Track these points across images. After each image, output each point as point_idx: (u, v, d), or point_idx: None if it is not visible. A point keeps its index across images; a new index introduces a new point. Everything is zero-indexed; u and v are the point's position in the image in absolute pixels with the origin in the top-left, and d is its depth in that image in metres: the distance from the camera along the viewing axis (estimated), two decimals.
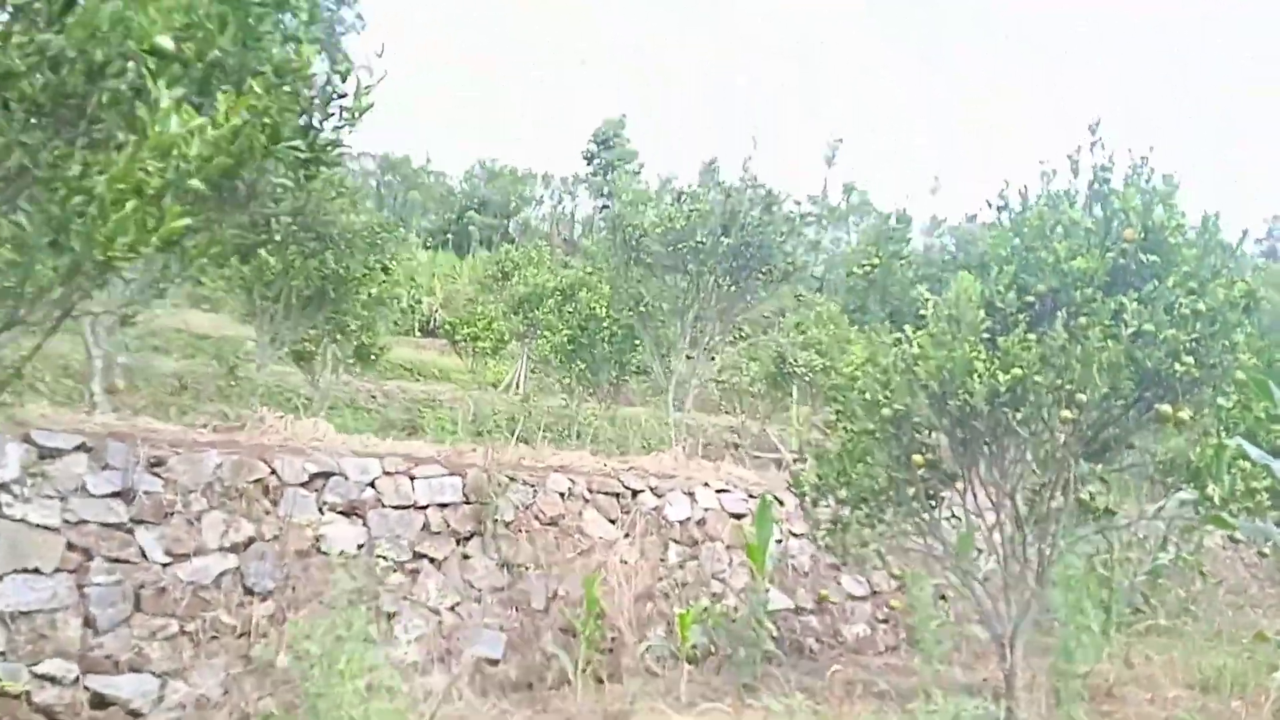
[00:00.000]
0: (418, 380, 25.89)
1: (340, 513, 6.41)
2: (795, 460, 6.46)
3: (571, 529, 7.43)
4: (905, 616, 9.24)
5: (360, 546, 6.36)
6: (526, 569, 6.97)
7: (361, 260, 13.19)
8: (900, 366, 5.97)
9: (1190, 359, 5.52)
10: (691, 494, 8.46)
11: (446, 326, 31.13)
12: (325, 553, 6.19)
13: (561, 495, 7.56)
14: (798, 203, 11.03)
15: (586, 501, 7.70)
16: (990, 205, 6.41)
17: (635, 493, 8.04)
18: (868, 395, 6.17)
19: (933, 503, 6.58)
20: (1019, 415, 5.62)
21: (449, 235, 47.43)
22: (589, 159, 47.84)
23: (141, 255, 3.01)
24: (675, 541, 8.04)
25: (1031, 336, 5.69)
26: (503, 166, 53.11)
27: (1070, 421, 5.56)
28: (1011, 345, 5.61)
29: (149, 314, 15.66)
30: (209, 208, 3.46)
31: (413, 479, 6.80)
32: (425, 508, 6.76)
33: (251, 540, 5.96)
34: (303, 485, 6.34)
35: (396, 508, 6.62)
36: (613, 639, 7.06)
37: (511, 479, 7.35)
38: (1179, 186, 5.97)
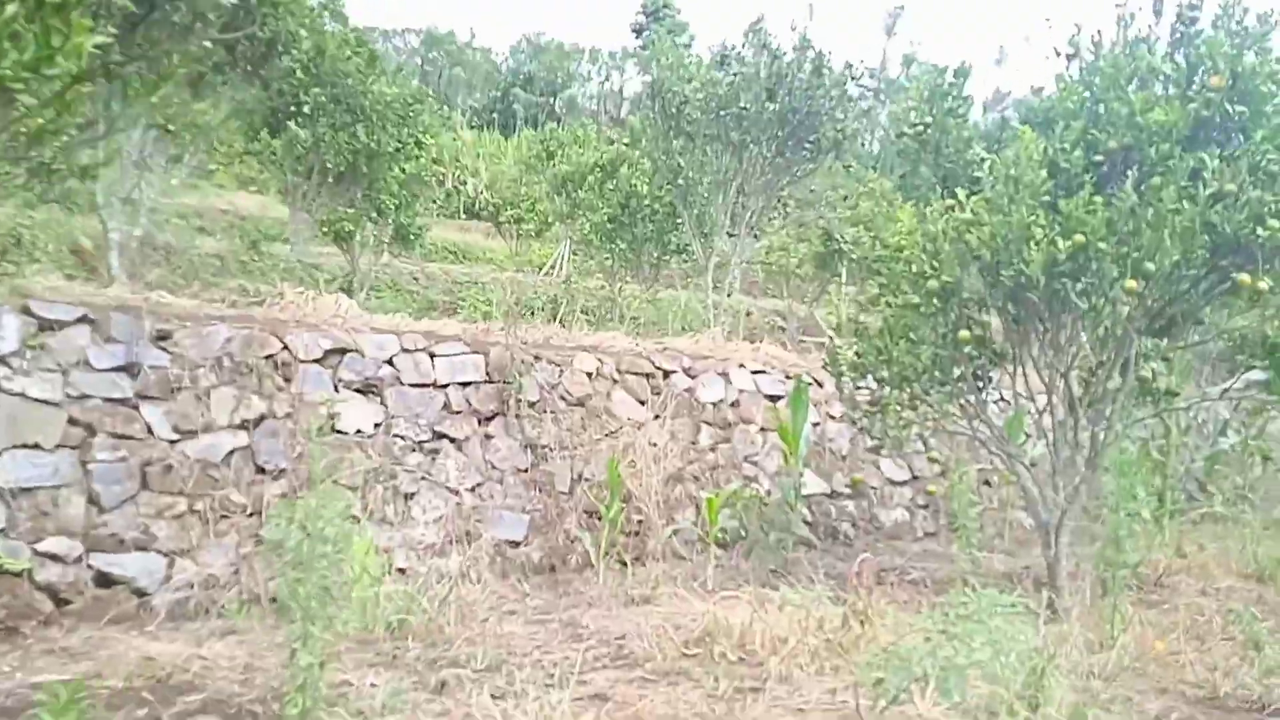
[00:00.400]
0: (461, 262, 25.71)
1: (357, 390, 6.17)
2: (832, 338, 6.02)
3: (599, 410, 7.15)
4: (946, 502, 8.93)
5: (377, 425, 6.14)
6: (551, 450, 6.73)
7: (394, 134, 12.76)
8: (950, 235, 5.46)
9: (1276, 223, 4.93)
10: (726, 375, 8.11)
11: (490, 208, 30.75)
12: (341, 431, 5.98)
13: (589, 375, 7.25)
14: (849, 65, 10.25)
15: (615, 382, 7.39)
16: (1058, 54, 5.74)
17: (667, 373, 7.71)
18: (914, 267, 5.69)
19: (980, 383, 6.15)
20: (1078, 287, 5.11)
21: (494, 114, 46.49)
22: (637, 32, 46.14)
23: (45, 77, 2.63)
24: (707, 424, 7.73)
25: (1098, 199, 5.14)
26: (549, 41, 51.59)
27: (1135, 294, 5.05)
28: (1075, 209, 5.07)
29: (179, 195, 15.49)
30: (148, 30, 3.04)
31: (433, 356, 6.52)
32: (446, 386, 6.49)
33: (263, 418, 5.76)
34: (317, 361, 6.09)
35: (416, 386, 6.36)
36: (639, 522, 6.84)
37: (537, 358, 7.05)
38: (1276, 26, 5.26)
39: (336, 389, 6.08)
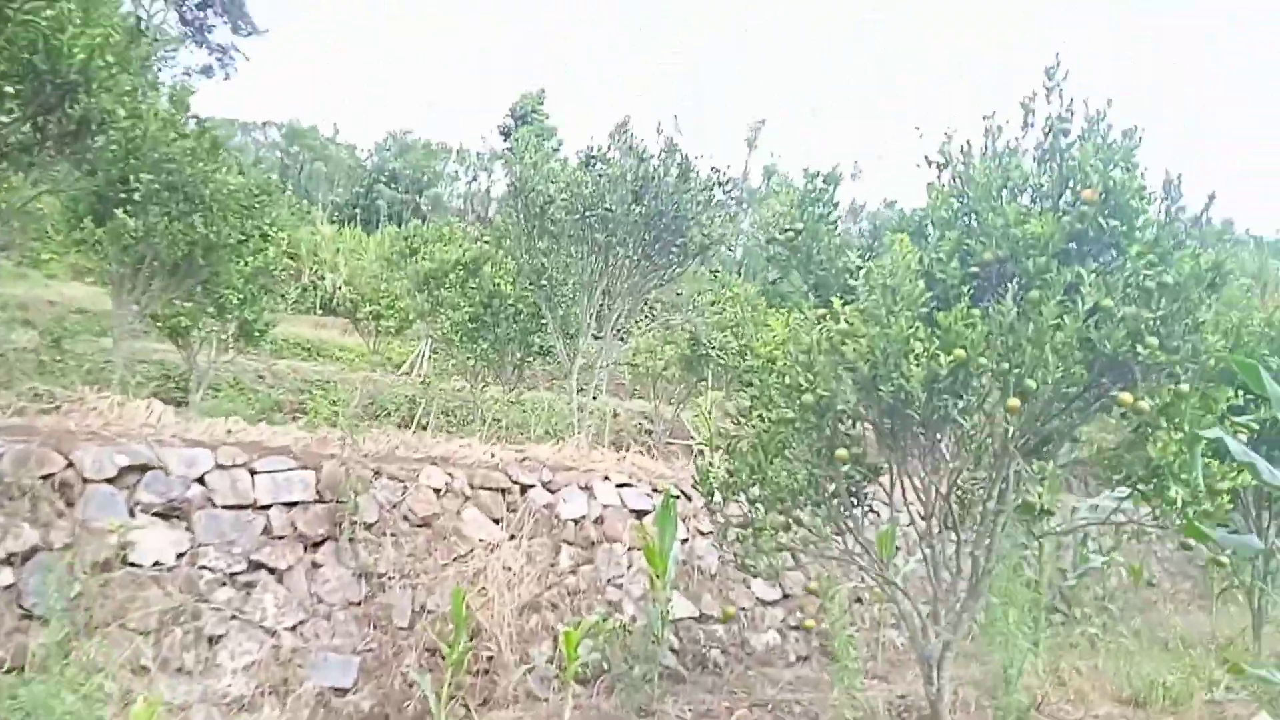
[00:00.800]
0: (316, 360, 24.52)
1: (157, 514, 5.30)
2: (700, 454, 5.55)
3: (447, 530, 6.43)
4: (819, 623, 8.50)
5: (181, 556, 5.27)
6: (390, 579, 5.95)
7: (237, 225, 11.90)
8: (825, 346, 5.11)
9: (1154, 341, 4.78)
10: (589, 488, 7.53)
11: (348, 304, 29.64)
12: (135, 564, 5.09)
13: (437, 492, 6.55)
14: (714, 170, 10.14)
15: (467, 499, 6.70)
16: (929, 162, 5.58)
17: (524, 488, 7.08)
18: (787, 379, 5.31)
19: (855, 500, 5.77)
20: (960, 404, 4.82)
21: (357, 210, 45.52)
22: (505, 135, 46.36)
23: None
24: (568, 543, 7.10)
25: (975, 312, 4.90)
26: (415, 139, 51.23)
27: (1016, 411, 4.78)
28: (953, 321, 4.80)
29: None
30: None
31: (254, 473, 5.72)
32: (268, 508, 5.68)
33: (35, 550, 4.83)
34: (110, 481, 5.22)
35: (231, 508, 5.53)
36: (490, 659, 6.10)
37: (378, 473, 6.31)
38: (1140, 143, 5.23)
39: (132, 513, 5.20)
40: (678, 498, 7.11)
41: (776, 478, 5.13)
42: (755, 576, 5.29)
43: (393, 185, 46.65)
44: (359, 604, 5.80)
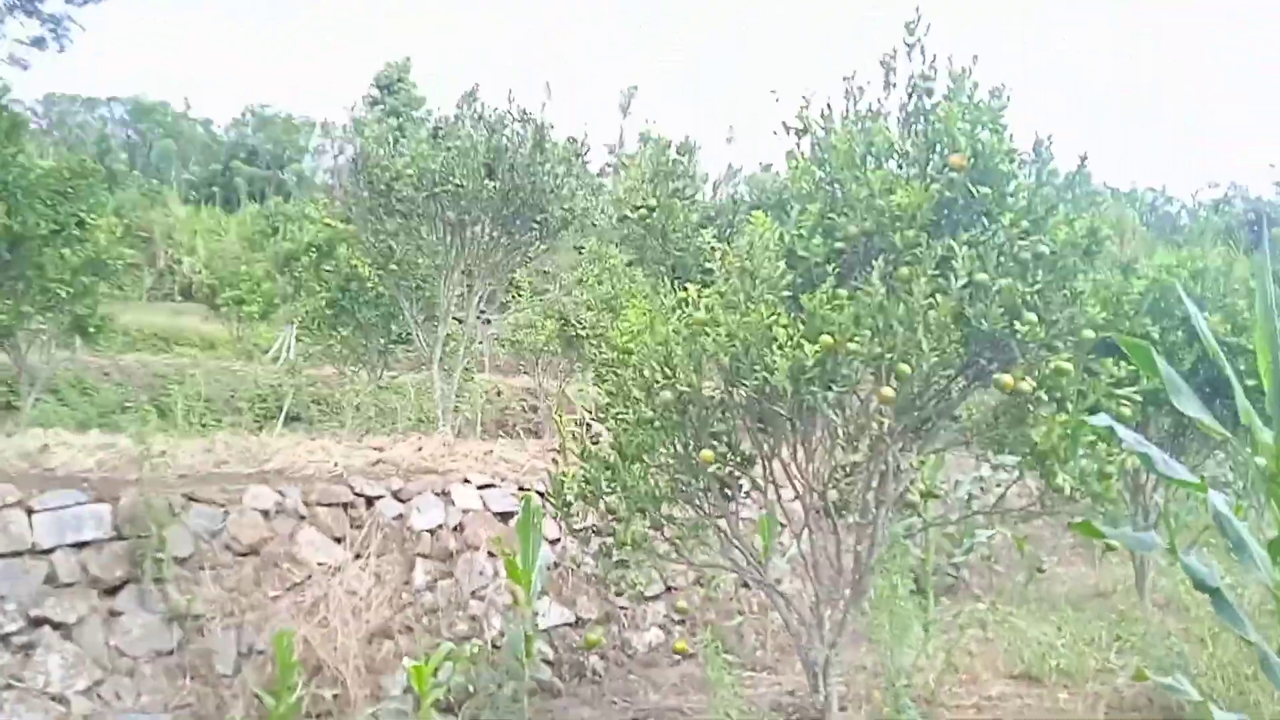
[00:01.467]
0: (172, 351, 23.00)
1: None
2: (556, 461, 4.99)
3: (278, 557, 5.73)
4: (703, 614, 8.11)
5: None
6: (209, 620, 5.23)
7: (46, 214, 10.71)
8: (682, 336, 4.60)
9: (1033, 316, 4.43)
10: (447, 494, 6.90)
11: (206, 289, 27.92)
12: None
13: (265, 514, 5.83)
14: (572, 140, 9.49)
15: (302, 519, 6.00)
16: (787, 129, 5.10)
17: (371, 500, 6.40)
18: (645, 372, 4.79)
19: (730, 499, 5.32)
20: (829, 395, 4.38)
21: (215, 189, 43.01)
22: (372, 105, 44.41)
23: None
24: (424, 556, 6.47)
25: (843, 293, 4.46)
26: (275, 113, 48.67)
27: (890, 401, 4.37)
28: (819, 305, 4.35)
29: None
30: None
31: (30, 512, 4.90)
32: (50, 551, 4.88)
33: None
34: None
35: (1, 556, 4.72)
36: (335, 698, 5.45)
37: (192, 498, 5.56)
38: (1009, 102, 4.86)
39: None
40: (543, 494, 6.55)
41: (636, 485, 4.61)
42: (619, 595, 4.81)
43: (252, 162, 44.24)
44: (170, 653, 5.06)
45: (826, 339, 4.32)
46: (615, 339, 5.07)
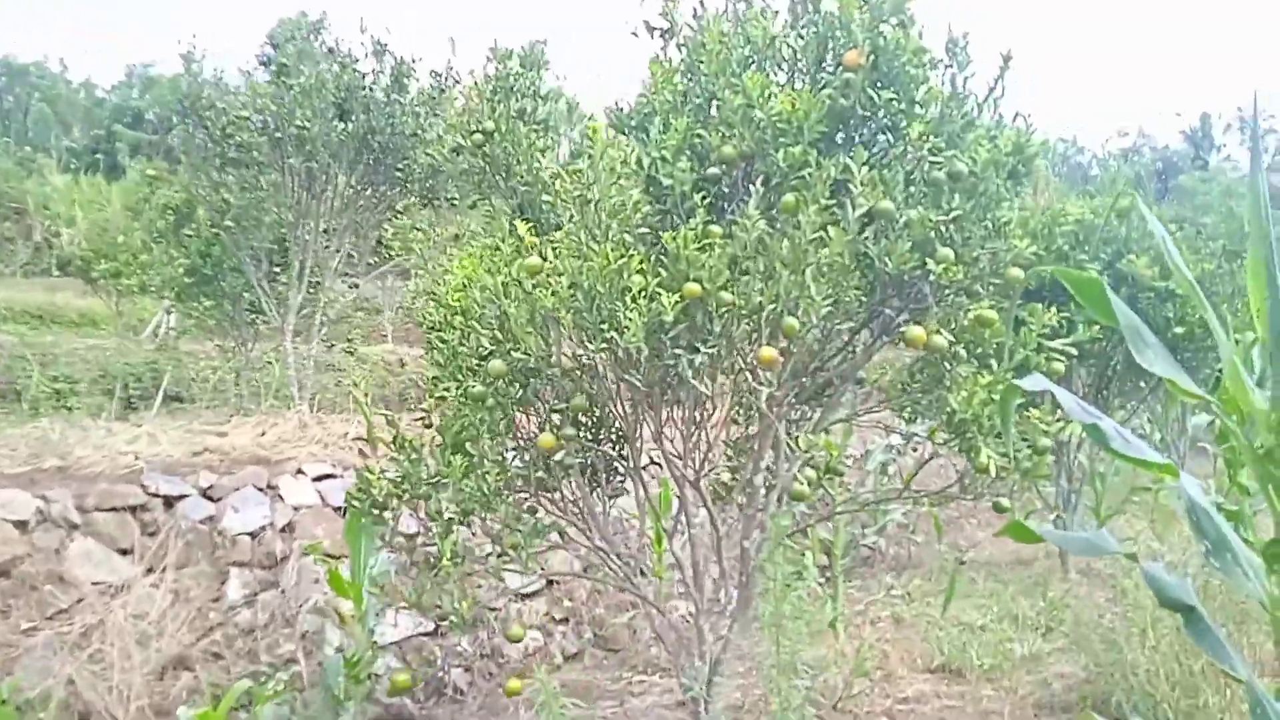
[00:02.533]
0: (49, 329, 21.26)
1: None
2: (364, 453, 3.95)
3: (37, 579, 4.61)
4: (589, 608, 7.20)
5: None
6: None
7: None
8: (518, 291, 3.60)
9: (949, 253, 3.54)
10: (274, 488, 5.82)
11: (79, 261, 26.06)
12: None
13: (21, 525, 4.69)
14: (435, 74, 8.34)
15: (74, 528, 4.87)
16: (650, 30, 4.10)
17: (171, 500, 5.30)
18: (473, 338, 3.78)
19: (595, 487, 4.36)
20: (697, 360, 3.43)
21: (99, 156, 40.24)
22: (266, 64, 42.06)
23: None
24: (241, 566, 5.40)
25: (716, 230, 3.51)
26: (161, 73, 45.69)
27: (773, 364, 3.44)
28: (683, 244, 3.39)
29: None
30: None
31: None
32: None
33: None
34: None
35: None
36: None
37: None
38: None
39: None
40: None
41: (458, 480, 3.61)
42: (443, 621, 3.84)
43: (137, 126, 41.50)
44: None
45: (692, 287, 3.37)
46: (446, 297, 4.05)
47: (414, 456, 3.74)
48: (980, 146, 3.71)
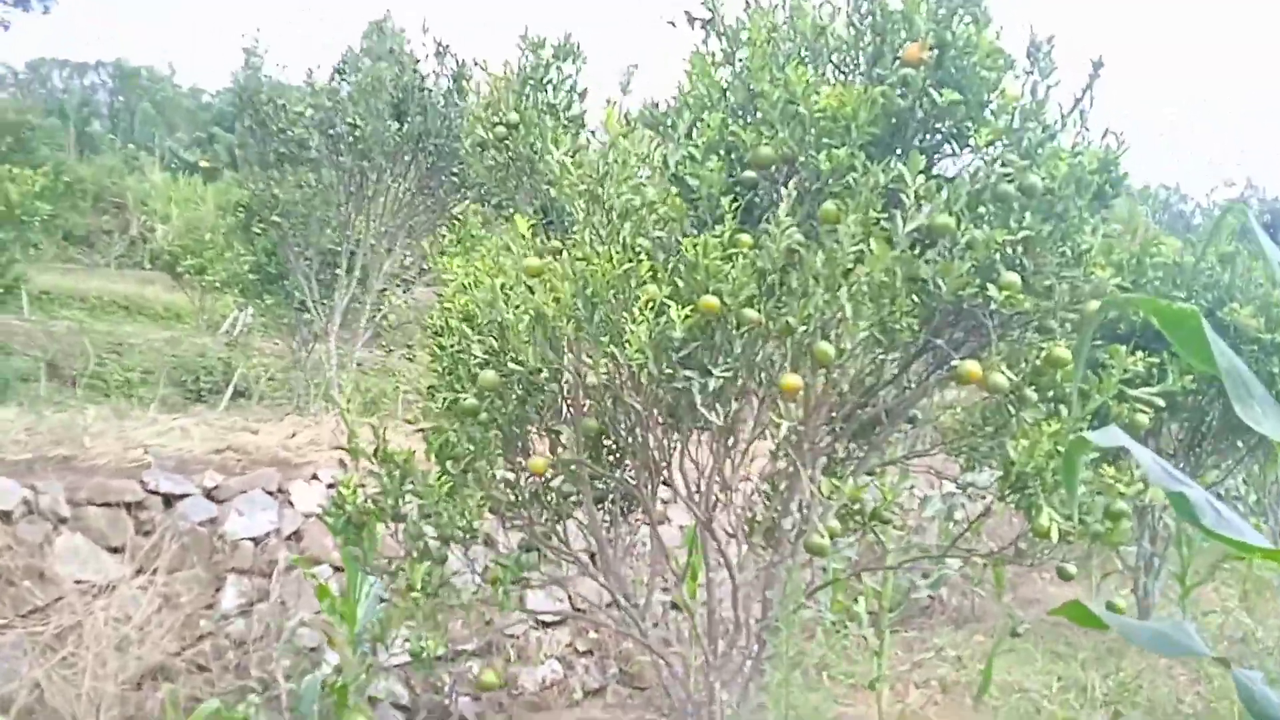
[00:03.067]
0: (135, 320, 21.84)
1: None
2: (343, 463, 3.59)
3: (15, 574, 4.36)
4: (618, 641, 6.75)
5: None
6: None
7: None
8: (515, 297, 3.22)
9: (1014, 278, 3.05)
10: (284, 492, 5.53)
11: (167, 256, 26.80)
12: None
13: (6, 516, 4.46)
14: (459, 62, 8.05)
15: (62, 522, 4.63)
16: (690, 20, 3.70)
17: (170, 499, 5.04)
18: (474, 346, 3.41)
19: (611, 521, 3.93)
20: (711, 384, 2.99)
21: (206, 157, 41.49)
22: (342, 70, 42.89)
23: None
24: (239, 573, 5.10)
25: (746, 238, 3.08)
26: (266, 77, 47.07)
27: (796, 392, 2.98)
28: (703, 252, 2.96)
29: None
30: None
31: None
32: None
33: None
34: None
35: None
36: None
37: None
38: None
39: None
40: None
41: (437, 502, 3.22)
42: (415, 658, 3.45)
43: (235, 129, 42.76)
44: None
45: (710, 300, 2.94)
46: (450, 302, 3.69)
47: (395, 472, 3.37)
48: (1059, 160, 3.21)
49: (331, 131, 7.61)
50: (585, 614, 5.08)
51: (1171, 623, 2.89)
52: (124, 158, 35.92)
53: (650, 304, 2.90)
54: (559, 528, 3.59)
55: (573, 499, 3.47)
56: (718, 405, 2.95)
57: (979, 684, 5.34)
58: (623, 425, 3.50)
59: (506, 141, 4.01)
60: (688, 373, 2.94)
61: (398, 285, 9.45)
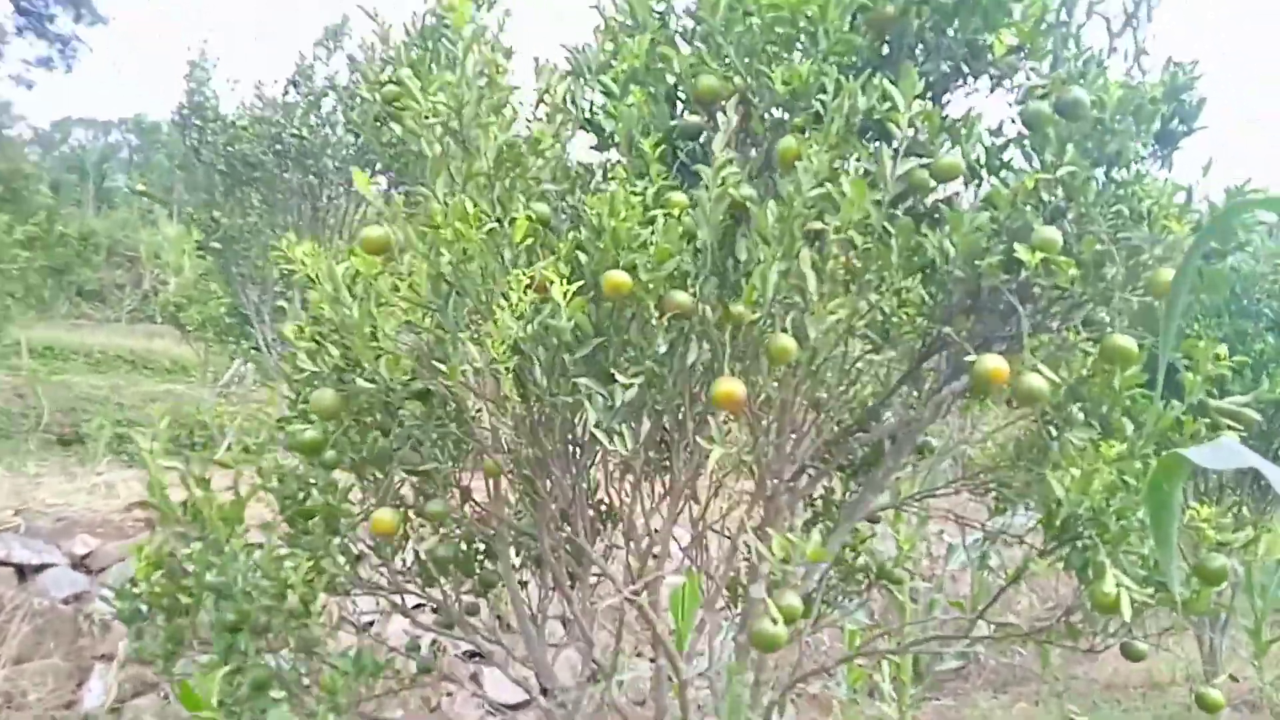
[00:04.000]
0: (143, 373, 21.42)
1: None
2: (150, 518, 2.69)
3: None
4: None
5: None
6: None
7: None
8: (369, 287, 2.33)
9: (1053, 235, 2.12)
10: None
11: (170, 309, 26.51)
12: None
13: None
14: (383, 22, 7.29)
15: None
16: None
17: (25, 570, 4.15)
18: (322, 360, 2.52)
19: (570, 571, 3.00)
20: (621, 396, 2.07)
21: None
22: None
23: None
24: (110, 659, 4.19)
25: (679, 197, 2.18)
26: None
27: (736, 406, 2.05)
28: (610, 212, 2.07)
29: None
30: None
31: None
32: None
33: None
34: None
35: None
36: None
37: None
38: None
39: None
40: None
41: (239, 574, 2.31)
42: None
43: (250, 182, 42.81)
44: None
45: (617, 278, 2.03)
46: (318, 303, 2.80)
47: (207, 535, 2.45)
48: (1110, 84, 2.29)
49: (278, 147, 6.82)
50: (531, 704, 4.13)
51: None
52: (139, 211, 35.97)
53: (530, 284, 2.00)
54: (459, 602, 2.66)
55: (448, 564, 2.54)
56: (627, 427, 2.02)
57: None
58: (535, 465, 2.57)
59: (398, 105, 3.15)
60: (582, 380, 2.02)
61: None
